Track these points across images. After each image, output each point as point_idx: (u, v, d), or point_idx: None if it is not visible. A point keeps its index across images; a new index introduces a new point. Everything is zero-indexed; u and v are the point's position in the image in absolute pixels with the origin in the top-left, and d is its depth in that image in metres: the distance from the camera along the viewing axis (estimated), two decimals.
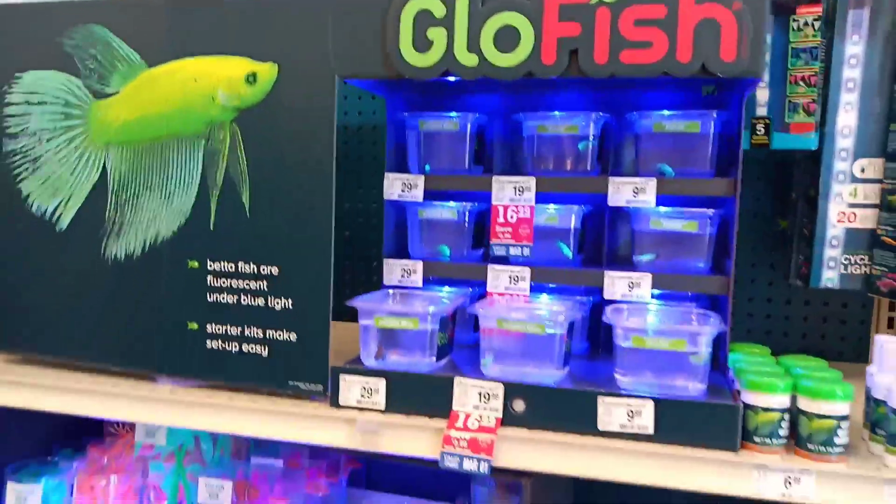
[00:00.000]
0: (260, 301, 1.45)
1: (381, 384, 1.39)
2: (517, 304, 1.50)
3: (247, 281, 1.45)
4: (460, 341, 1.61)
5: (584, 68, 1.31)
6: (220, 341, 1.48)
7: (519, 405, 1.32)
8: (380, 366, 1.43)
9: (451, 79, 1.61)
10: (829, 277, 1.58)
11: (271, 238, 1.43)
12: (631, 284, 1.47)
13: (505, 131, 1.70)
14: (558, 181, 1.51)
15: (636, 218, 1.52)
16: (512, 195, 1.52)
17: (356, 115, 2.14)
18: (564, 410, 1.30)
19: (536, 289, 1.55)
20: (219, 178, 1.45)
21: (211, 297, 1.48)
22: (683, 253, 1.50)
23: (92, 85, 1.54)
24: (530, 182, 1.50)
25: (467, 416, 1.34)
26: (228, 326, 1.47)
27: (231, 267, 1.46)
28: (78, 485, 1.71)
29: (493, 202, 1.53)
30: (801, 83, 1.49)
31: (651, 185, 1.44)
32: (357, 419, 1.36)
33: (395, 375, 1.39)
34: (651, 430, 1.26)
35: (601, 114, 1.52)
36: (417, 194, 1.58)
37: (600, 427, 1.28)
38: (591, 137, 1.53)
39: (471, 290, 1.63)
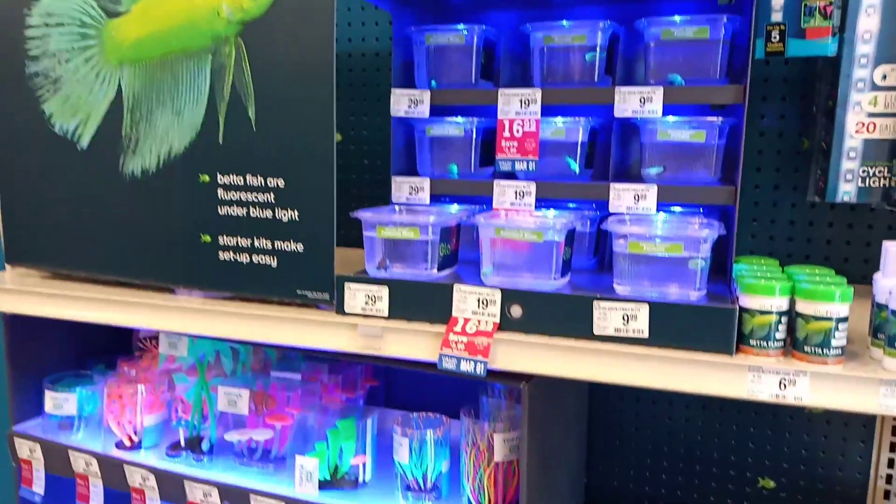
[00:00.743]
0: (268, 213, 1.49)
1: (384, 292, 1.42)
2: (518, 216, 1.50)
3: (255, 193, 1.49)
4: (466, 258, 1.63)
5: None
6: (231, 253, 1.53)
7: (516, 311, 1.34)
8: (383, 275, 1.46)
9: None
10: (846, 190, 1.54)
11: (277, 151, 1.46)
12: (637, 197, 1.46)
13: (514, 46, 1.69)
14: (564, 92, 1.49)
15: (644, 130, 1.50)
16: (518, 108, 1.51)
17: (360, 41, 2.13)
18: (560, 315, 1.31)
19: (546, 207, 1.55)
20: (226, 92, 1.48)
21: (222, 210, 1.52)
22: (692, 165, 1.47)
23: (105, 4, 1.58)
24: (536, 94, 1.49)
25: (466, 321, 1.36)
26: (239, 238, 1.52)
27: (239, 180, 1.50)
28: (108, 393, 1.82)
29: (499, 116, 1.52)
30: None
31: (658, 93, 1.41)
32: (360, 324, 1.41)
33: (398, 283, 1.42)
34: (646, 335, 1.27)
35: (609, 22, 1.49)
36: (423, 110, 1.58)
37: (596, 332, 1.29)
38: (598, 48, 1.50)
39: (479, 207, 1.64)
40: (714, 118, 1.44)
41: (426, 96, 1.58)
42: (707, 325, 1.23)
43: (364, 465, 1.64)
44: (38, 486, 1.84)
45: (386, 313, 1.43)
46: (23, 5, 1.67)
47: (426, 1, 1.72)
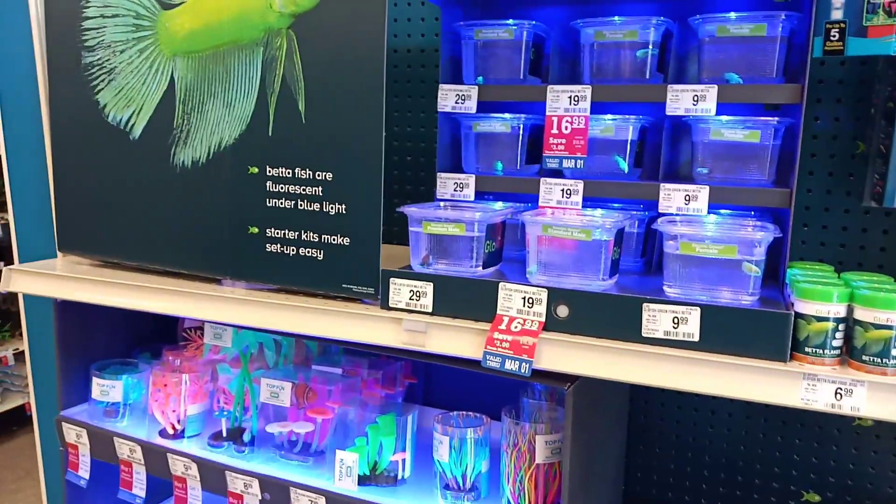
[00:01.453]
0: (315, 206, 1.49)
1: (428, 288, 1.42)
2: (566, 214, 1.48)
3: (303, 186, 1.50)
4: (509, 256, 1.62)
5: None
6: (278, 245, 1.54)
7: (562, 310, 1.33)
8: (428, 271, 1.46)
9: None
10: None
11: (325, 144, 1.46)
12: (687, 197, 1.43)
13: (564, 43, 1.67)
14: (615, 89, 1.47)
15: (696, 129, 1.47)
16: (567, 105, 1.49)
17: (406, 37, 2.13)
18: (608, 317, 1.29)
19: (593, 206, 1.54)
20: (276, 85, 1.49)
21: (270, 202, 1.53)
22: (745, 166, 1.44)
23: None
24: (586, 91, 1.47)
25: (511, 320, 1.35)
26: (286, 231, 1.53)
27: (288, 173, 1.51)
28: (153, 381, 1.84)
29: (547, 112, 1.51)
30: None
31: (712, 92, 1.38)
32: (404, 319, 1.40)
33: (443, 279, 1.41)
34: (697, 338, 1.24)
35: (662, 18, 1.46)
36: (471, 106, 1.57)
37: (644, 334, 1.27)
38: (650, 45, 1.48)
39: (524, 205, 1.62)
40: (770, 118, 1.40)
41: (474, 92, 1.57)
42: (761, 330, 1.19)
43: (403, 461, 1.64)
44: (84, 471, 1.88)
45: (430, 309, 1.42)
46: None
47: None
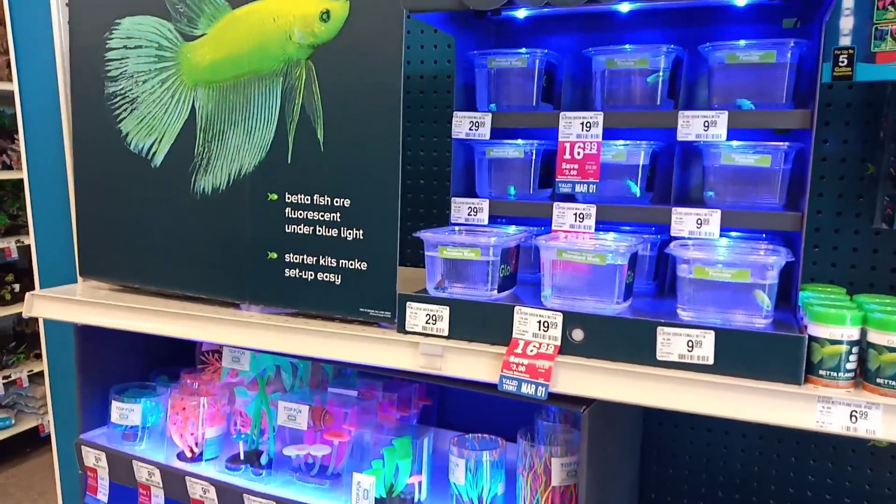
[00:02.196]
0: (333, 231, 1.52)
1: (444, 312, 1.44)
2: (580, 238, 1.51)
3: (321, 213, 1.53)
4: (525, 280, 1.64)
5: None
6: (297, 270, 1.57)
7: (578, 334, 1.34)
8: (444, 295, 1.48)
9: (521, 15, 1.62)
10: None
11: (344, 171, 1.50)
12: (699, 221, 1.45)
13: (575, 70, 1.70)
14: (626, 116, 1.50)
15: (707, 154, 1.50)
16: (579, 131, 1.52)
17: (419, 63, 2.17)
18: (623, 340, 1.31)
19: (605, 229, 1.56)
20: (295, 114, 1.53)
21: (289, 228, 1.57)
22: (756, 190, 1.46)
23: (182, 28, 1.65)
24: (598, 117, 1.50)
25: (527, 344, 1.37)
26: (305, 256, 1.56)
27: (307, 199, 1.54)
28: (171, 404, 1.87)
29: (560, 138, 1.53)
30: (891, 8, 1.41)
31: (723, 118, 1.41)
32: (421, 343, 1.42)
33: (459, 303, 1.43)
34: (711, 361, 1.26)
35: (673, 46, 1.49)
36: (484, 132, 1.60)
37: (659, 357, 1.29)
38: (661, 71, 1.51)
39: (537, 229, 1.65)
40: (780, 143, 1.42)
41: (487, 119, 1.60)
42: (775, 353, 1.21)
43: (420, 484, 1.65)
44: (103, 494, 1.89)
45: (446, 333, 1.44)
46: (105, 29, 1.75)
47: (489, 25, 1.75)
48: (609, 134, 1.51)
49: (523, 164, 1.63)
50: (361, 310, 1.51)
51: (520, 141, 1.62)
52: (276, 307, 1.63)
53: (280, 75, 1.53)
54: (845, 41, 1.47)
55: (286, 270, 1.58)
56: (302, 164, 1.54)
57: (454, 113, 1.63)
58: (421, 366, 1.43)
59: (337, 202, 1.51)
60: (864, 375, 1.18)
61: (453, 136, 1.63)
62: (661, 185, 1.64)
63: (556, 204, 1.55)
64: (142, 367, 2.09)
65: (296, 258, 1.57)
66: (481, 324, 1.41)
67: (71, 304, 1.82)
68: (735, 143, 1.44)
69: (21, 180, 4.35)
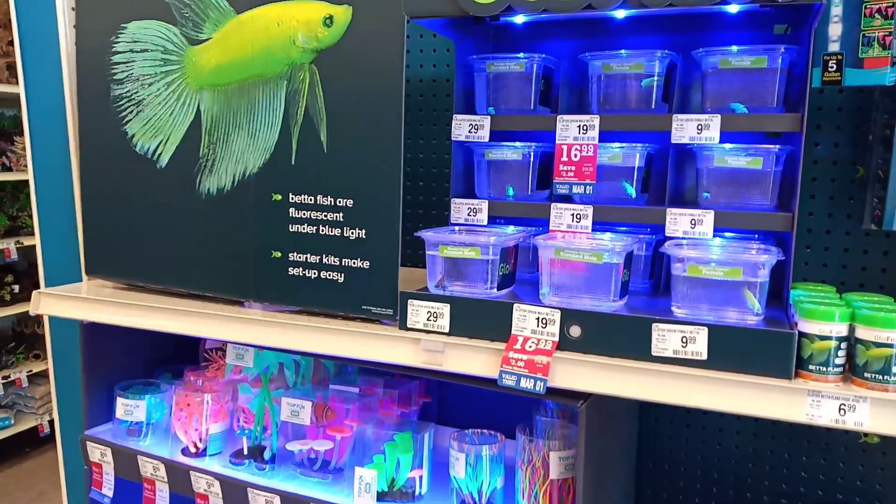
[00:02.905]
0: (336, 231, 1.56)
1: (445, 309, 1.48)
2: (577, 238, 1.54)
3: (324, 212, 1.57)
4: (523, 279, 1.68)
5: None
6: (300, 269, 1.61)
7: (575, 330, 1.38)
8: (444, 292, 1.51)
9: (519, 21, 1.66)
10: None
11: (346, 172, 1.53)
12: (693, 222, 1.49)
13: (572, 74, 1.74)
14: (622, 119, 1.54)
15: (700, 156, 1.54)
16: (576, 134, 1.56)
17: (419, 67, 2.20)
18: (619, 336, 1.35)
19: (602, 230, 1.60)
20: (299, 116, 1.56)
21: (292, 228, 1.60)
22: (748, 191, 1.50)
23: (187, 32, 1.69)
24: (594, 120, 1.54)
25: (525, 340, 1.41)
26: (308, 255, 1.59)
27: (310, 199, 1.58)
28: (176, 401, 1.90)
29: (557, 141, 1.57)
30: (877, 15, 1.45)
31: (716, 121, 1.45)
32: (422, 339, 1.46)
33: (459, 301, 1.47)
34: (705, 357, 1.29)
35: (667, 52, 1.53)
36: (483, 135, 1.64)
37: (654, 353, 1.33)
38: (655, 76, 1.55)
39: (535, 229, 1.68)
40: (772, 146, 1.46)
41: (486, 122, 1.64)
42: (766, 348, 1.25)
43: (421, 478, 1.68)
44: (108, 489, 1.93)
45: (447, 329, 1.48)
46: (111, 32, 1.79)
47: (487, 30, 1.79)
48: (605, 136, 1.55)
49: (521, 165, 1.67)
50: (364, 307, 1.55)
51: (518, 143, 1.66)
52: (279, 305, 1.66)
53: (284, 79, 1.57)
54: (834, 47, 1.51)
55: (290, 269, 1.61)
56: (305, 165, 1.57)
57: (454, 116, 1.66)
58: (422, 362, 1.47)
59: (340, 202, 1.55)
60: (853, 370, 1.23)
61: (453, 139, 1.67)
62: (656, 187, 1.68)
63: (553, 205, 1.59)
64: (146, 365, 2.13)
65: (299, 257, 1.60)
66: (481, 321, 1.45)
67: (77, 302, 1.85)
68: (728, 145, 1.48)
69: (21, 182, 4.39)
